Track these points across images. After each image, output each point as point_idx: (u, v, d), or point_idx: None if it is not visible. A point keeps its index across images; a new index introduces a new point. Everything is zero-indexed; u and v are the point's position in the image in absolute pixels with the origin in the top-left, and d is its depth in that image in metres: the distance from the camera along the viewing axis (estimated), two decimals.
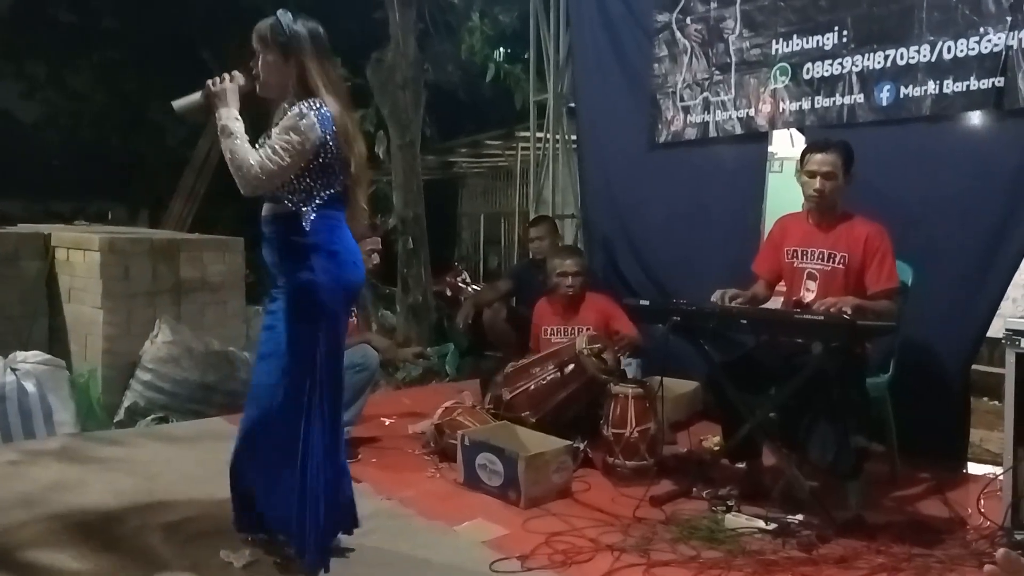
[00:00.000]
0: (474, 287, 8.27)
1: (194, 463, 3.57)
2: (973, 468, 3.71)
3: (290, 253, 2.48)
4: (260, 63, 2.50)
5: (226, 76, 2.48)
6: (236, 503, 2.67)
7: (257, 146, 2.43)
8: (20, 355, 4.33)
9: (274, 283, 2.56)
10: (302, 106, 2.40)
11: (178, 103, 2.50)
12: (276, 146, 2.38)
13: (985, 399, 4.83)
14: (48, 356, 4.43)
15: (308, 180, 2.45)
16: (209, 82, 2.47)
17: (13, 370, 4.18)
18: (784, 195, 4.39)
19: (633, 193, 5.12)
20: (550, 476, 3.22)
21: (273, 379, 2.50)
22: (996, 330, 3.49)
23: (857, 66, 3.93)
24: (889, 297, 3.20)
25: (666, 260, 4.91)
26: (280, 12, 2.48)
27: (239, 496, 2.65)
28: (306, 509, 2.45)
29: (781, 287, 3.54)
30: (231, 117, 2.44)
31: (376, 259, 4.00)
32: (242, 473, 2.62)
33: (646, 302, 3.54)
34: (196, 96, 2.49)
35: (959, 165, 3.66)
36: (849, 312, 2.87)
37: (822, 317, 2.87)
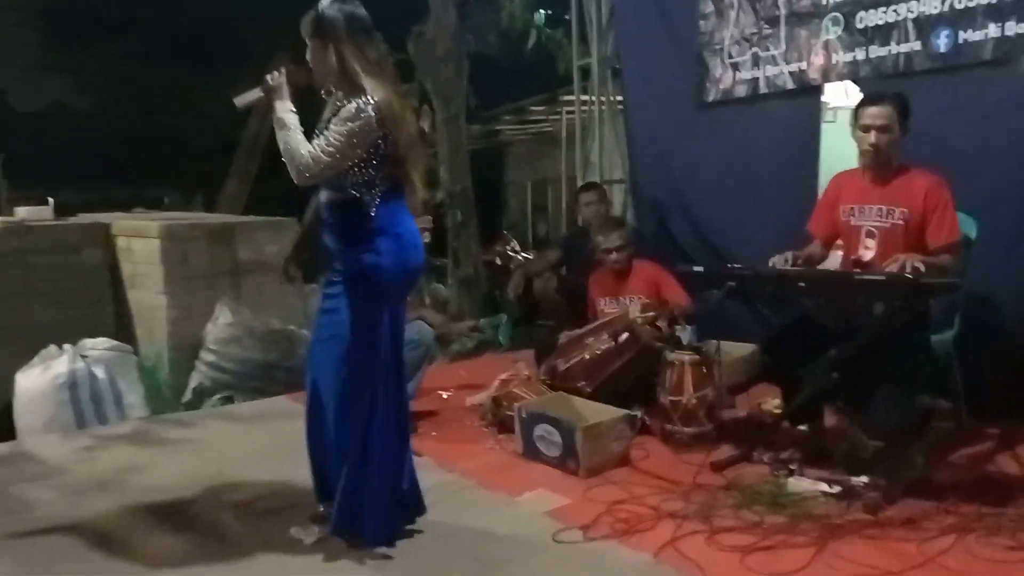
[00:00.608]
0: (524, 255, 8.27)
1: (260, 442, 3.67)
2: None
3: (355, 238, 2.53)
4: (307, 53, 2.55)
5: (280, 71, 2.55)
6: (315, 474, 2.72)
7: (316, 135, 2.50)
8: (89, 342, 4.48)
9: (333, 267, 2.59)
10: (358, 102, 2.44)
11: (239, 99, 2.59)
12: (331, 138, 2.44)
13: None
14: (116, 342, 4.57)
15: (371, 171, 2.51)
16: (268, 77, 2.55)
17: (83, 357, 4.32)
18: (839, 147, 4.25)
19: (682, 155, 5.03)
20: (608, 445, 3.23)
21: (337, 361, 2.54)
22: None
23: (912, 12, 3.78)
24: (952, 251, 3.11)
25: (719, 222, 4.83)
26: (322, 3, 2.52)
27: (316, 468, 2.71)
28: (366, 488, 2.52)
29: (839, 244, 3.46)
30: (286, 109, 2.52)
31: (427, 237, 4.02)
32: (316, 447, 2.68)
33: (700, 268, 3.50)
34: (255, 92, 2.57)
35: (1022, 111, 3.51)
36: (921, 269, 2.79)
37: (883, 277, 2.80)
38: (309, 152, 2.44)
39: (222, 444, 3.68)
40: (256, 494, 3.05)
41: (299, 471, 2.78)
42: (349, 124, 2.43)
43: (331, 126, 2.46)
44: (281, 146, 2.49)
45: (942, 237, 3.11)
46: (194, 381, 4.76)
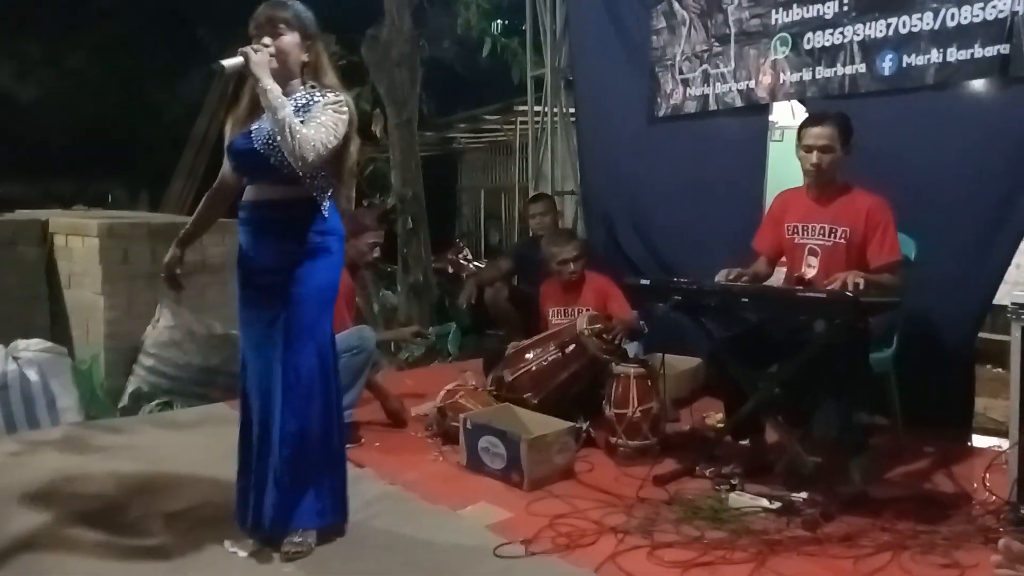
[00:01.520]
0: (476, 263, 8.26)
1: (197, 449, 3.57)
2: (978, 441, 3.70)
3: (307, 239, 2.48)
4: (278, 44, 2.46)
5: (259, 47, 2.43)
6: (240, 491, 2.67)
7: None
8: (22, 343, 4.32)
9: (268, 270, 2.52)
10: (340, 94, 2.48)
11: (227, 62, 2.41)
12: (329, 125, 2.40)
13: (989, 366, 4.81)
14: (50, 344, 4.42)
15: (330, 164, 2.49)
16: (246, 49, 2.41)
17: (15, 359, 4.17)
18: (785, 165, 4.32)
19: (633, 169, 5.06)
20: (552, 458, 3.21)
21: (309, 373, 2.50)
22: (1001, 296, 3.47)
23: (859, 35, 3.86)
24: (891, 271, 3.17)
25: (668, 236, 4.87)
26: None
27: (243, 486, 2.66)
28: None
29: (784, 262, 3.51)
30: (278, 90, 2.40)
31: (377, 252, 3.99)
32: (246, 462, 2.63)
33: (646, 281, 3.51)
34: (238, 60, 2.42)
35: (963, 134, 3.60)
36: (861, 286, 2.84)
37: (824, 295, 2.84)
38: (318, 139, 2.36)
39: (157, 451, 3.57)
40: (190, 504, 2.96)
41: (234, 480, 2.71)
42: (339, 114, 2.42)
43: (321, 115, 2.41)
44: (283, 129, 2.33)
45: (883, 256, 3.17)
46: (132, 385, 4.64)
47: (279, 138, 2.35)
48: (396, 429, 3.91)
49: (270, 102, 2.36)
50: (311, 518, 2.56)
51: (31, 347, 4.31)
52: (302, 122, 2.39)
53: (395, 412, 3.94)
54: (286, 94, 2.46)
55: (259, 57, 2.40)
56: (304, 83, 2.53)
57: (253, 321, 2.58)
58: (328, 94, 2.47)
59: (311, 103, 2.47)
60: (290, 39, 2.47)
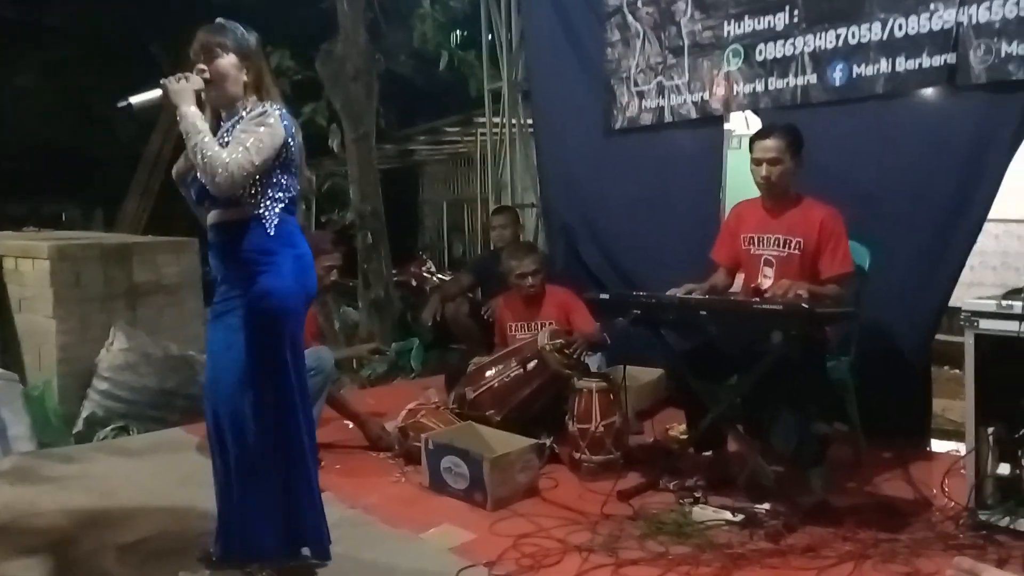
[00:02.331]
0: (439, 276, 8.22)
1: (151, 477, 3.49)
2: (937, 445, 3.74)
3: (251, 259, 2.41)
4: (214, 68, 2.42)
5: (182, 76, 2.40)
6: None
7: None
8: None
9: (226, 296, 2.47)
10: (265, 104, 2.41)
11: (136, 99, 2.38)
12: (248, 144, 2.32)
13: (946, 368, 4.88)
14: (0, 370, 4.31)
15: (269, 180, 2.42)
16: (166, 80, 2.38)
17: None
18: (744, 174, 4.33)
19: (591, 180, 5.07)
20: (516, 476, 3.19)
21: (251, 396, 2.41)
22: (956, 299, 3.51)
23: (809, 46, 3.90)
24: (841, 282, 3.20)
25: (628, 247, 4.88)
26: (224, 20, 2.47)
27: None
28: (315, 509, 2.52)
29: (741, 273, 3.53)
30: (197, 115, 2.36)
31: (335, 275, 3.93)
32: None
33: (606, 296, 3.52)
34: (155, 92, 2.39)
35: (914, 142, 3.65)
36: (804, 296, 2.86)
37: (780, 306, 2.85)
38: (232, 159, 2.30)
39: (109, 480, 3.48)
40: (142, 535, 2.88)
41: (189, 508, 2.66)
42: (262, 128, 2.35)
43: (241, 132, 2.35)
44: (197, 156, 2.31)
45: (834, 268, 3.20)
46: (86, 410, 4.52)
47: (195, 163, 2.33)
48: (355, 450, 3.85)
49: (185, 128, 2.34)
50: (262, 547, 2.48)
51: None
52: (226, 144, 2.35)
53: (377, 438, 3.84)
54: (231, 115, 2.43)
55: (180, 85, 2.37)
56: (247, 103, 2.47)
57: (212, 342, 2.53)
58: (255, 108, 2.41)
59: (240, 122, 2.43)
60: (226, 61, 2.43)
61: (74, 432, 4.42)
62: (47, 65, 13.14)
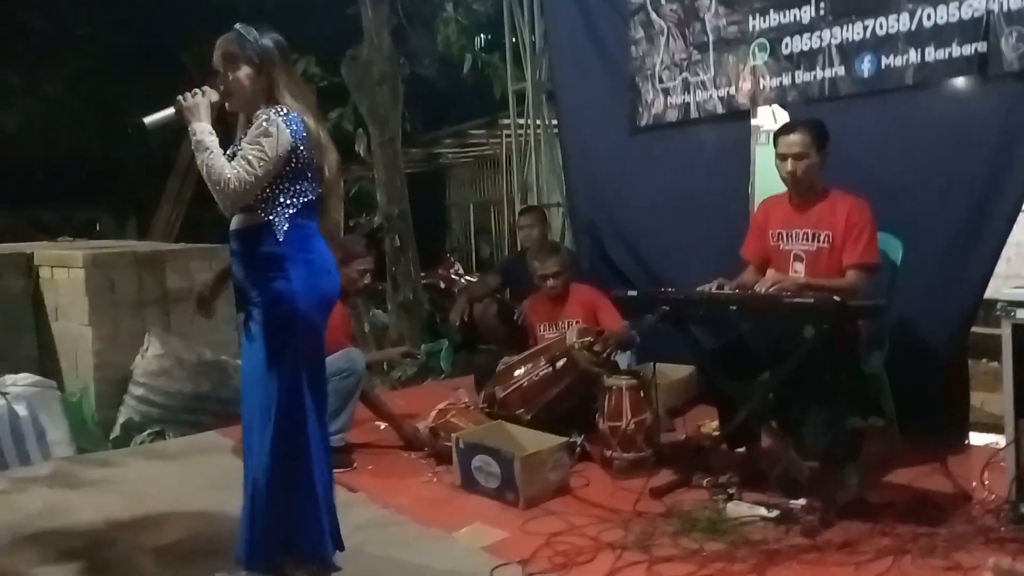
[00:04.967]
0: (468, 278, 8.24)
1: (186, 480, 3.53)
2: (975, 438, 3.68)
3: (263, 265, 2.43)
4: (230, 78, 2.46)
5: (197, 91, 2.44)
6: None
7: (227, 158, 2.40)
8: (10, 378, 4.29)
9: (246, 301, 2.49)
10: (269, 112, 2.39)
11: (149, 119, 2.43)
12: (249, 157, 2.34)
13: (984, 360, 4.79)
14: (38, 378, 4.38)
15: (279, 187, 2.42)
16: (180, 97, 2.42)
17: (3, 394, 4.13)
18: (774, 169, 4.32)
19: (617, 179, 5.05)
20: (547, 474, 3.18)
21: (264, 400, 2.43)
22: (993, 291, 3.45)
23: (836, 38, 3.86)
24: (862, 270, 3.16)
25: (654, 245, 4.86)
26: (241, 26, 2.47)
27: None
28: (309, 517, 2.46)
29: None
30: (205, 131, 2.39)
31: (368, 279, 3.95)
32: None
33: (633, 293, 3.50)
34: (168, 111, 2.43)
35: (944, 133, 3.60)
36: (792, 291, 2.84)
37: (812, 300, 2.82)
38: (234, 174, 2.33)
39: (145, 484, 3.53)
40: (178, 536, 2.92)
41: (224, 511, 2.68)
42: (263, 139, 2.35)
43: (245, 144, 2.37)
44: (204, 171, 2.36)
45: (855, 256, 3.16)
46: (123, 416, 4.59)
47: (204, 178, 2.38)
48: (388, 451, 3.86)
49: (193, 145, 2.38)
50: (294, 548, 2.50)
51: (19, 382, 4.27)
52: (234, 156, 2.38)
53: (411, 439, 3.85)
54: (252, 122, 2.45)
55: (194, 100, 2.40)
56: (261, 109, 2.47)
57: (243, 348, 2.56)
58: (260, 118, 2.40)
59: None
60: (242, 72, 2.45)
61: (112, 437, 4.49)
62: (77, 74, 13.35)
